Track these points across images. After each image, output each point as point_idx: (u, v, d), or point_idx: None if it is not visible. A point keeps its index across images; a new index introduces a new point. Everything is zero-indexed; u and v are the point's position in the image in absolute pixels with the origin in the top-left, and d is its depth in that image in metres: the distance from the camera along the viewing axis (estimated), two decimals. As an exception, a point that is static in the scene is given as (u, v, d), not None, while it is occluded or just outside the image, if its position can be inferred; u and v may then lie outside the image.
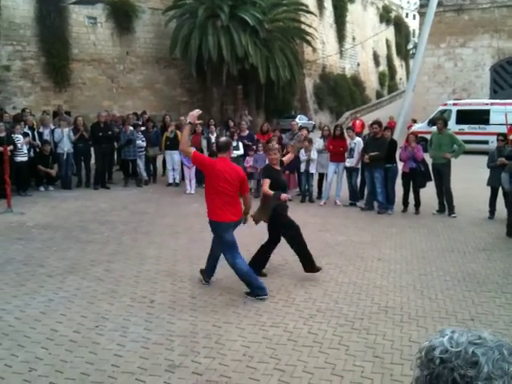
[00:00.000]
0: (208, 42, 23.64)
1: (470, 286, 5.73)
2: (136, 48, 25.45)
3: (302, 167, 10.77)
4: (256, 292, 5.28)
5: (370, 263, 6.58)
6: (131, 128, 12.60)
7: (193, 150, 5.53)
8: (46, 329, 4.51)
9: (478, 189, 10.41)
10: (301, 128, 12.53)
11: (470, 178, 12.54)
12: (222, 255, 5.50)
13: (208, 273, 5.72)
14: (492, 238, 7.90)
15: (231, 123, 13.71)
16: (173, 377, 3.73)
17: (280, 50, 26.02)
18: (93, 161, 12.48)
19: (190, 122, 5.45)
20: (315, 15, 31.67)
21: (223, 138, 6.16)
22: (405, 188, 9.78)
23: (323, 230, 8.25)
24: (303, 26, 28.29)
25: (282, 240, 6.04)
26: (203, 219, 6.10)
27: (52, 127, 12.62)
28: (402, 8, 60.58)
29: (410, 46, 53.49)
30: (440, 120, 10.21)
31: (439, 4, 19.98)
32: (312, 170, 10.89)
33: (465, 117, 21.00)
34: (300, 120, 25.69)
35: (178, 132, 12.28)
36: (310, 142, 10.87)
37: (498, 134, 9.75)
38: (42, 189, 11.74)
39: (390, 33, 51.10)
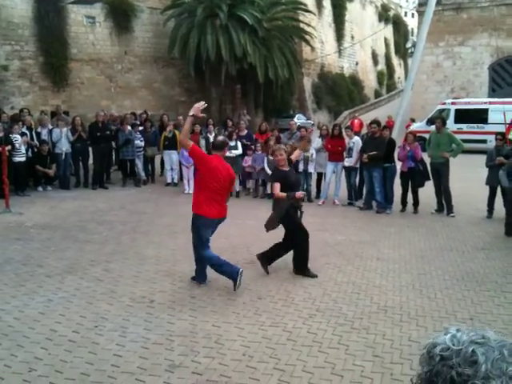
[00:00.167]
0: (206, 42, 23.62)
1: (468, 285, 5.74)
2: (134, 47, 25.43)
3: (301, 167, 10.77)
4: (233, 277, 5.35)
5: (369, 263, 6.58)
6: (129, 128, 12.57)
7: (192, 142, 5.52)
8: (45, 329, 4.51)
9: (477, 188, 10.41)
10: (299, 127, 12.50)
11: (468, 177, 12.53)
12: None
13: (202, 276, 5.75)
14: (490, 237, 7.91)
15: (230, 123, 13.68)
16: (172, 377, 3.73)
17: (278, 49, 25.99)
18: (91, 161, 12.45)
19: (193, 115, 5.39)
20: (314, 14, 31.68)
21: (220, 137, 6.21)
22: (403, 187, 9.77)
23: (322, 230, 8.25)
24: (302, 25, 28.28)
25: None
26: (202, 219, 6.10)
27: (50, 127, 12.56)
28: (400, 7, 60.61)
29: (409, 44, 53.54)
30: (439, 119, 10.17)
31: (438, 3, 20.00)
32: (310, 169, 10.90)
33: (463, 116, 20.98)
34: (298, 119, 25.66)
35: (177, 132, 12.27)
36: (309, 141, 10.87)
37: (497, 133, 9.75)
38: (40, 189, 11.71)
39: (388, 32, 51.12)
